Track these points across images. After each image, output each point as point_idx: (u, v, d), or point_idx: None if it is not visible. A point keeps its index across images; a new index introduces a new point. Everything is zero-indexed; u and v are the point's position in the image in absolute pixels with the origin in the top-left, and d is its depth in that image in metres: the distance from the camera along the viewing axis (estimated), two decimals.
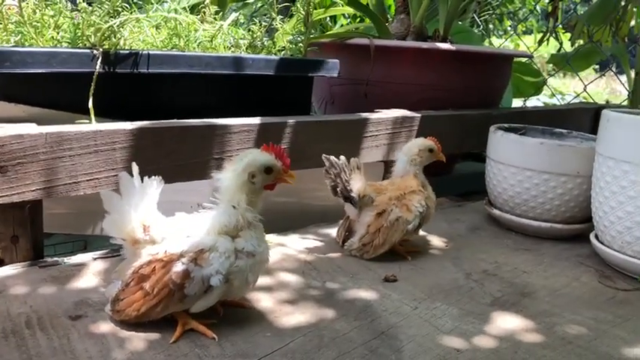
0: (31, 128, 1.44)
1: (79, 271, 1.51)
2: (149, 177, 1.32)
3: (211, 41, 1.93)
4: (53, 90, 1.64)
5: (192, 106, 1.87)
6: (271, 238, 1.89)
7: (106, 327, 1.28)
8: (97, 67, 1.60)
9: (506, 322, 1.46)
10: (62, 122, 1.58)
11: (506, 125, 2.34)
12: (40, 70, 1.53)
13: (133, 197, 1.30)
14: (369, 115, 2.15)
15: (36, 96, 1.62)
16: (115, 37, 1.64)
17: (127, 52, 1.67)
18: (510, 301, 1.59)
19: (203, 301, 1.28)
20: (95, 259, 1.58)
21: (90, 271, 1.52)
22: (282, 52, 2.24)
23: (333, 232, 1.94)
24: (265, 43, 2.20)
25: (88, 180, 1.53)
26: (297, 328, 1.35)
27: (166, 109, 1.79)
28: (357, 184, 1.77)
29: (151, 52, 1.70)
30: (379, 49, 2.45)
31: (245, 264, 1.30)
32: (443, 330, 1.40)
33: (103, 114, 1.69)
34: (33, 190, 1.46)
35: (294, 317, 1.40)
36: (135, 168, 1.35)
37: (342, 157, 1.76)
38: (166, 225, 1.34)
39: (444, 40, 2.68)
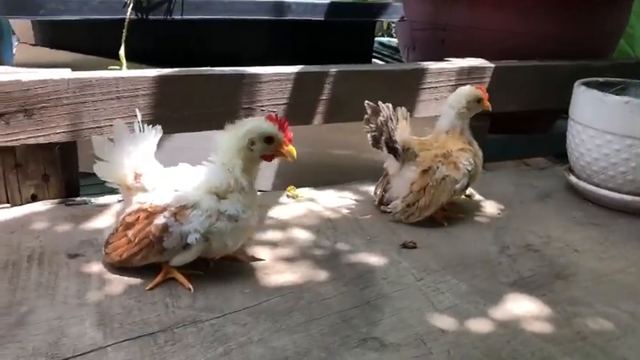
0: (54, 73, 1.51)
1: (101, 211, 1.60)
2: (158, 125, 1.34)
3: None
4: (91, 37, 1.71)
5: (232, 54, 1.84)
6: (304, 192, 1.84)
7: (95, 267, 1.34)
8: (128, 13, 1.63)
9: (518, 306, 1.29)
10: (100, 68, 1.64)
11: (601, 79, 2.02)
12: (72, 17, 1.59)
13: (126, 144, 1.33)
14: (427, 65, 1.96)
15: (76, 43, 1.70)
16: None
17: None
18: (538, 282, 1.40)
19: (181, 256, 1.28)
20: (120, 200, 1.65)
21: (110, 212, 1.59)
22: None
23: (373, 189, 1.83)
24: None
25: (111, 125, 1.57)
26: (279, 287, 1.31)
27: (205, 57, 1.78)
28: (402, 136, 1.64)
29: None
30: None
31: (225, 226, 1.27)
32: (438, 307, 1.27)
33: (140, 61, 1.73)
34: (58, 133, 1.55)
35: (283, 276, 1.36)
36: (138, 114, 1.37)
37: (389, 104, 1.63)
38: (160, 175, 1.35)
39: None
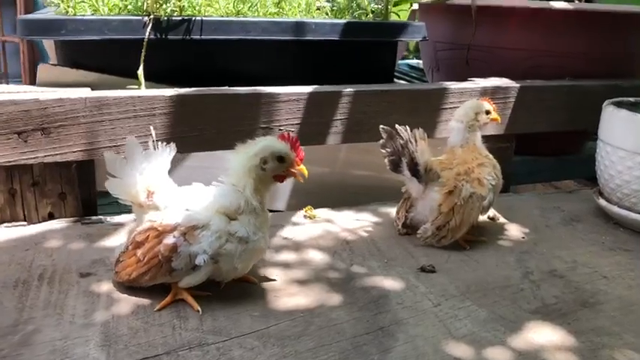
0: (71, 93, 1.52)
1: (116, 230, 1.59)
2: (170, 143, 1.34)
3: (278, 4, 1.87)
4: (110, 57, 1.72)
5: (251, 75, 1.83)
6: (321, 212, 1.81)
7: (105, 287, 1.32)
8: (147, 33, 1.64)
9: (540, 335, 1.23)
10: (119, 87, 1.65)
11: (632, 99, 1.95)
12: (93, 38, 1.61)
13: (138, 161, 1.32)
14: (449, 85, 1.92)
15: (97, 63, 1.72)
16: (169, 3, 1.66)
17: (179, 18, 1.69)
18: (563, 310, 1.33)
19: (190, 278, 1.26)
20: (135, 220, 1.64)
21: (125, 231, 1.58)
22: (367, 16, 2.08)
23: (393, 211, 1.79)
24: (353, 5, 2.07)
25: None
26: (289, 311, 1.27)
27: (223, 77, 1.77)
28: (423, 157, 1.60)
29: (204, 18, 1.70)
30: (483, 10, 2.18)
31: (234, 249, 1.25)
32: (455, 334, 1.21)
33: (159, 80, 1.73)
34: (75, 152, 1.56)
35: (294, 299, 1.32)
36: (152, 132, 1.37)
37: (407, 127, 1.60)
38: (173, 193, 1.34)
39: None
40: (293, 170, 1.28)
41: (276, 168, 1.27)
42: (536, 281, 1.46)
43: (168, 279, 1.27)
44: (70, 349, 1.10)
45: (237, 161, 1.28)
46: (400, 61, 4.30)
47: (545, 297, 1.38)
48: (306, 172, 1.28)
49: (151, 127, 1.33)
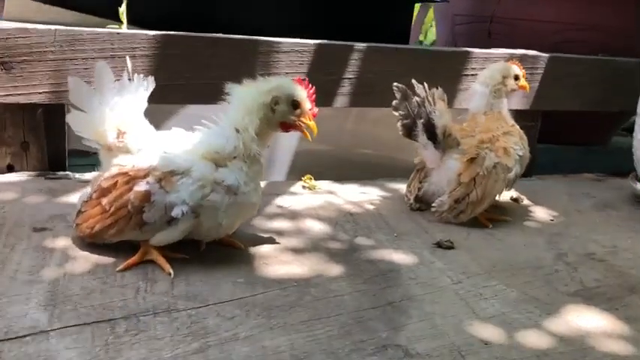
0: (39, 24, 1.31)
1: (84, 186, 1.36)
2: (151, 76, 1.14)
3: None
4: None
5: (251, 25, 1.61)
6: (323, 184, 1.59)
7: (61, 243, 1.11)
8: None
9: (583, 319, 1.01)
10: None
11: None
12: None
13: (109, 94, 1.11)
14: (471, 50, 1.72)
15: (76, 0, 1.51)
16: None
17: None
18: (607, 294, 1.12)
19: (164, 234, 1.04)
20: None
21: None
22: None
23: (403, 187, 1.57)
24: None
25: None
26: (280, 279, 1.06)
27: (219, 27, 1.56)
28: (442, 119, 1.39)
29: None
30: None
31: (220, 200, 1.03)
32: (480, 315, 1.00)
33: (145, 27, 1.52)
34: (40, 93, 1.35)
35: (287, 267, 1.11)
36: (128, 62, 1.16)
37: (425, 84, 1.39)
38: (149, 135, 1.13)
39: None
40: (303, 122, 1.07)
41: (287, 113, 1.07)
42: (572, 264, 1.24)
43: (138, 235, 1.05)
44: (4, 307, 0.88)
45: (245, 95, 1.07)
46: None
47: (586, 280, 1.17)
48: (315, 130, 1.08)
49: (127, 57, 1.12)
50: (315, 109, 1.09)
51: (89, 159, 1.20)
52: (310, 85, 1.07)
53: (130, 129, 1.11)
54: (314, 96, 1.08)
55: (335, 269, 1.12)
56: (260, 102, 1.04)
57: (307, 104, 1.06)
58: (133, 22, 1.50)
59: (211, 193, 1.03)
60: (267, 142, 1.11)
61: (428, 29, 3.91)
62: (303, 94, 1.06)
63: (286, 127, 1.08)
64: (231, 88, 1.08)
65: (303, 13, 1.76)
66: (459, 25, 2.24)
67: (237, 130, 1.06)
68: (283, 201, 1.45)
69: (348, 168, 1.85)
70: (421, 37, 4.16)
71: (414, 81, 1.37)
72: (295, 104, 1.05)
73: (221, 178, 1.04)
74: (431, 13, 3.50)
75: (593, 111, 1.96)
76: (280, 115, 1.06)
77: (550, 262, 1.24)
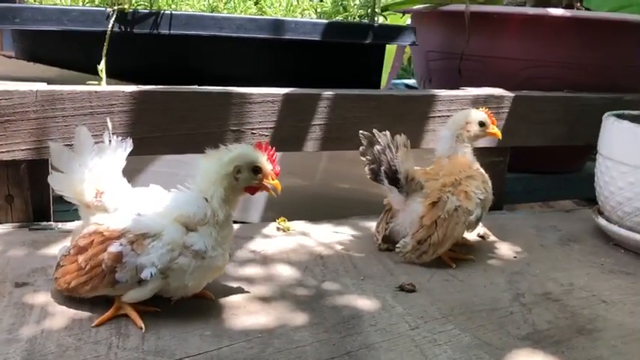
0: (21, 85, 1.39)
1: (65, 237, 1.44)
2: (129, 138, 1.21)
3: (257, 3, 1.75)
4: (71, 51, 1.60)
5: (223, 75, 1.69)
6: (297, 225, 1.66)
7: (41, 298, 1.17)
8: (110, 26, 1.51)
9: None
10: (80, 84, 1.52)
11: (634, 112, 1.82)
12: (50, 28, 1.49)
13: (88, 155, 1.18)
14: (437, 92, 1.79)
15: (55, 56, 1.59)
16: None
17: (146, 11, 1.56)
18: (556, 337, 1.18)
19: (135, 292, 1.11)
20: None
21: None
22: (354, 19, 1.97)
23: (374, 225, 1.64)
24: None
25: None
26: (246, 331, 1.12)
27: (195, 78, 1.64)
28: (404, 165, 1.47)
29: (173, 11, 1.58)
30: (477, 17, 2.05)
31: (187, 263, 1.10)
32: None
33: (123, 78, 1.60)
34: (23, 150, 1.42)
35: (254, 318, 1.17)
36: (108, 124, 1.23)
37: (387, 132, 1.47)
38: (125, 195, 1.20)
39: (568, 7, 2.18)
40: (266, 184, 1.15)
41: (249, 179, 1.14)
42: (528, 304, 1.31)
43: (111, 291, 1.12)
44: None
45: (208, 167, 1.14)
46: (396, 81, 4.19)
47: (537, 322, 1.23)
48: (279, 188, 1.16)
49: (108, 119, 1.20)
50: (277, 168, 1.16)
51: (73, 205, 1.26)
52: (270, 147, 1.14)
53: (107, 189, 1.18)
54: (274, 156, 1.15)
55: (299, 318, 1.18)
56: (223, 173, 1.12)
57: (268, 166, 1.14)
58: (111, 75, 1.58)
59: (179, 256, 1.10)
60: (236, 205, 1.18)
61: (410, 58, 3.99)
62: (263, 158, 1.13)
63: (252, 190, 1.16)
64: (195, 159, 1.15)
65: (273, 63, 1.84)
66: (432, 61, 2.32)
67: (206, 199, 1.13)
68: (256, 245, 1.52)
69: (324, 204, 1.92)
70: (405, 61, 4.26)
71: (375, 130, 1.45)
72: (257, 169, 1.13)
73: (190, 242, 1.11)
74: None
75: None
76: (244, 181, 1.13)
77: (507, 303, 1.31)
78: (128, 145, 1.22)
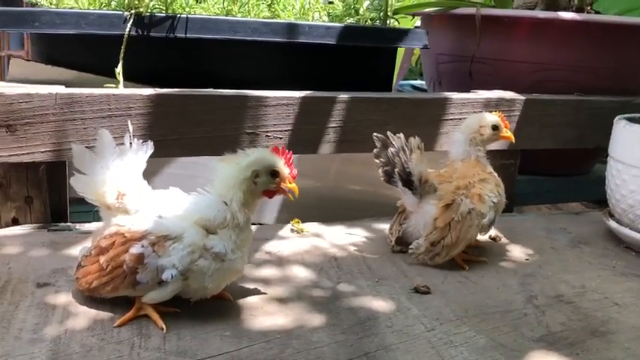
0: (41, 88, 1.41)
1: (85, 238, 1.46)
2: (150, 141, 1.23)
3: (270, 6, 1.77)
4: (88, 54, 1.62)
5: (241, 79, 1.70)
6: (310, 226, 1.68)
7: (63, 298, 1.19)
8: (127, 29, 1.53)
9: None
10: (98, 86, 1.54)
11: None
12: (68, 31, 1.51)
13: (110, 158, 1.20)
14: (449, 95, 1.81)
15: (73, 59, 1.61)
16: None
17: (163, 14, 1.58)
18: (570, 339, 1.19)
19: (156, 293, 1.13)
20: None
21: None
22: (366, 23, 1.98)
23: (387, 227, 1.66)
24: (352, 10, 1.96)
25: None
26: (265, 332, 1.14)
27: (210, 80, 1.65)
28: (418, 167, 1.48)
29: (189, 15, 1.60)
30: (488, 20, 2.07)
31: (207, 266, 1.12)
32: None
33: (140, 81, 1.62)
34: (43, 152, 1.44)
35: (272, 319, 1.19)
36: (129, 126, 1.26)
37: (401, 135, 1.49)
38: (146, 197, 1.22)
39: (579, 10, 2.19)
40: (284, 187, 1.17)
41: (267, 182, 1.16)
42: (541, 306, 1.32)
43: (132, 292, 1.14)
44: None
45: (227, 171, 1.17)
46: (403, 82, 4.20)
47: (551, 324, 1.25)
48: (297, 191, 1.18)
49: (129, 122, 1.22)
50: (295, 171, 1.18)
51: (90, 206, 1.28)
52: (286, 151, 1.16)
53: (128, 191, 1.20)
54: (291, 159, 1.17)
55: (316, 319, 1.20)
56: (241, 178, 1.14)
57: (286, 170, 1.16)
58: (127, 78, 1.60)
59: (200, 258, 1.12)
60: (254, 209, 1.20)
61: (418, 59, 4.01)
62: (281, 162, 1.15)
63: (270, 193, 1.18)
64: (210, 161, 1.17)
65: (287, 67, 1.86)
66: (442, 64, 2.33)
67: (226, 203, 1.15)
68: (271, 246, 1.54)
69: (337, 206, 1.94)
70: (413, 62, 4.27)
71: (389, 133, 1.46)
72: (275, 173, 1.15)
73: (210, 245, 1.13)
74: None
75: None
76: (262, 185, 1.15)
77: (520, 305, 1.33)
78: (149, 148, 1.24)
